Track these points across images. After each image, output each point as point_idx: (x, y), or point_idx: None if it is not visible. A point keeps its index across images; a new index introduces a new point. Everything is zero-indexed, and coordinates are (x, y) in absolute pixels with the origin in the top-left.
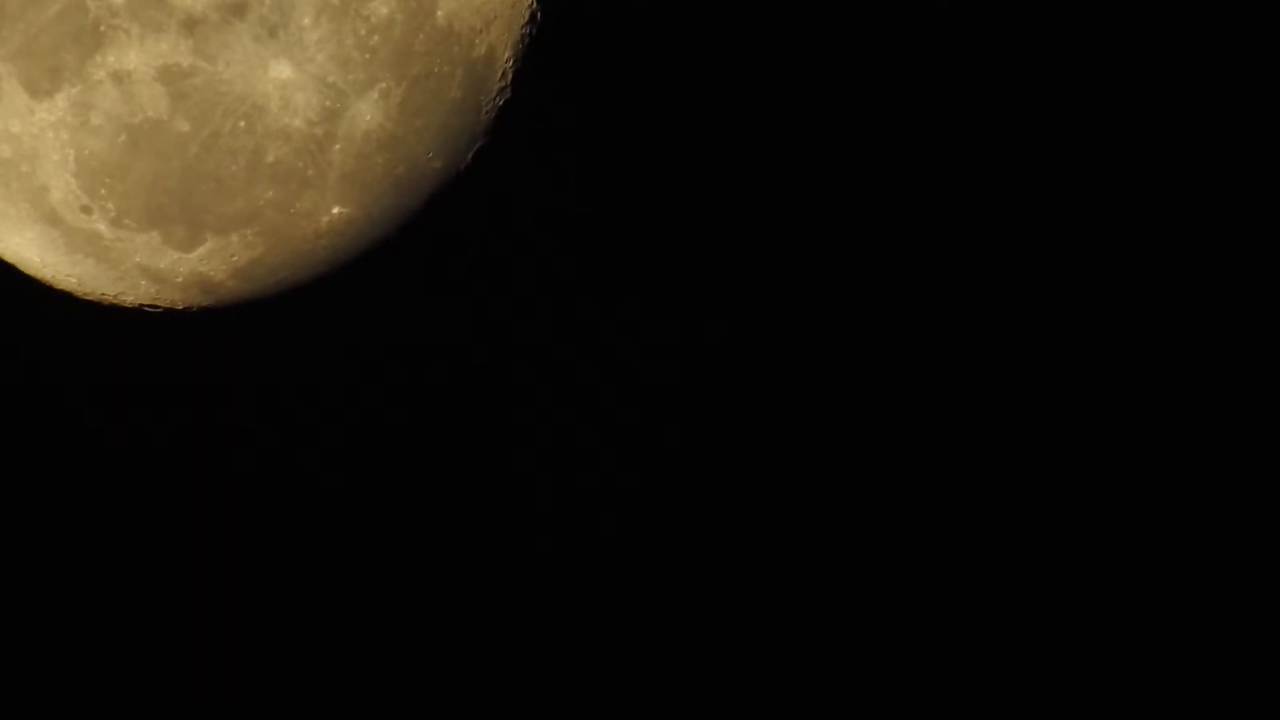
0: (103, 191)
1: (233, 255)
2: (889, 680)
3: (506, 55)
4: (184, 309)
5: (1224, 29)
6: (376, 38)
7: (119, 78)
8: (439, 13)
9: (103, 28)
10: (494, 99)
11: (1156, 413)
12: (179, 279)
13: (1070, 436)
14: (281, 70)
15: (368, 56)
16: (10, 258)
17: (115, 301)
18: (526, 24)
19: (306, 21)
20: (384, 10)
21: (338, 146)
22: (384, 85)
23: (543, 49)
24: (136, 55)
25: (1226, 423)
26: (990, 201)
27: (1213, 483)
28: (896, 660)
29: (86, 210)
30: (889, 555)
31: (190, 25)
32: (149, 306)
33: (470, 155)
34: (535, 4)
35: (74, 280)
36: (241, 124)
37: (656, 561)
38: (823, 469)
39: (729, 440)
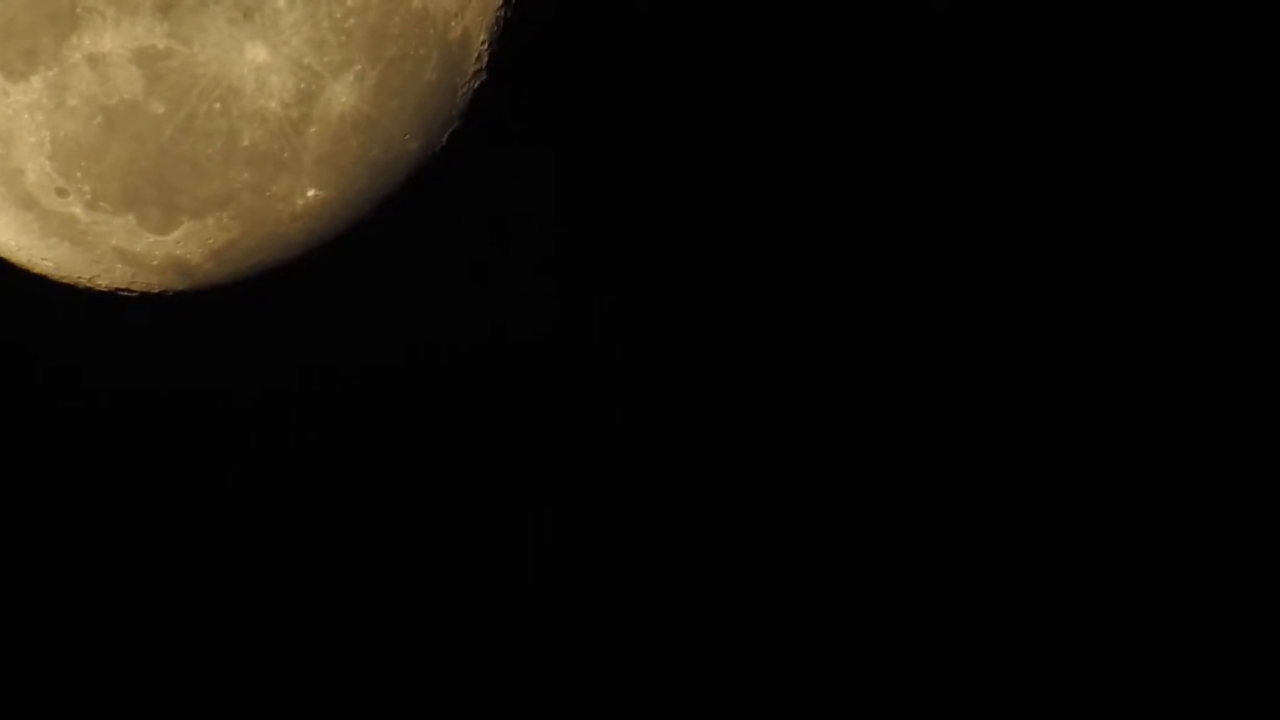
0: (78, 174)
1: (209, 238)
2: (888, 680)
3: (482, 38)
4: (160, 292)
5: (1224, 29)
6: (352, 20)
7: (94, 60)
8: None
9: (78, 10)
10: (469, 82)
11: (1156, 413)
12: (155, 262)
13: (1070, 436)
14: (257, 53)
15: (343, 39)
16: None
17: (91, 285)
18: (501, 7)
19: (281, 4)
20: None
21: (313, 129)
22: (359, 68)
23: (518, 32)
24: (112, 38)
25: (1226, 423)
26: (981, 201)
27: (1213, 483)
28: (896, 660)
29: (62, 193)
30: (887, 555)
31: (165, 8)
32: (124, 290)
33: (445, 137)
34: None
35: (49, 264)
36: (217, 106)
37: (640, 556)
38: (811, 465)
39: (713, 424)
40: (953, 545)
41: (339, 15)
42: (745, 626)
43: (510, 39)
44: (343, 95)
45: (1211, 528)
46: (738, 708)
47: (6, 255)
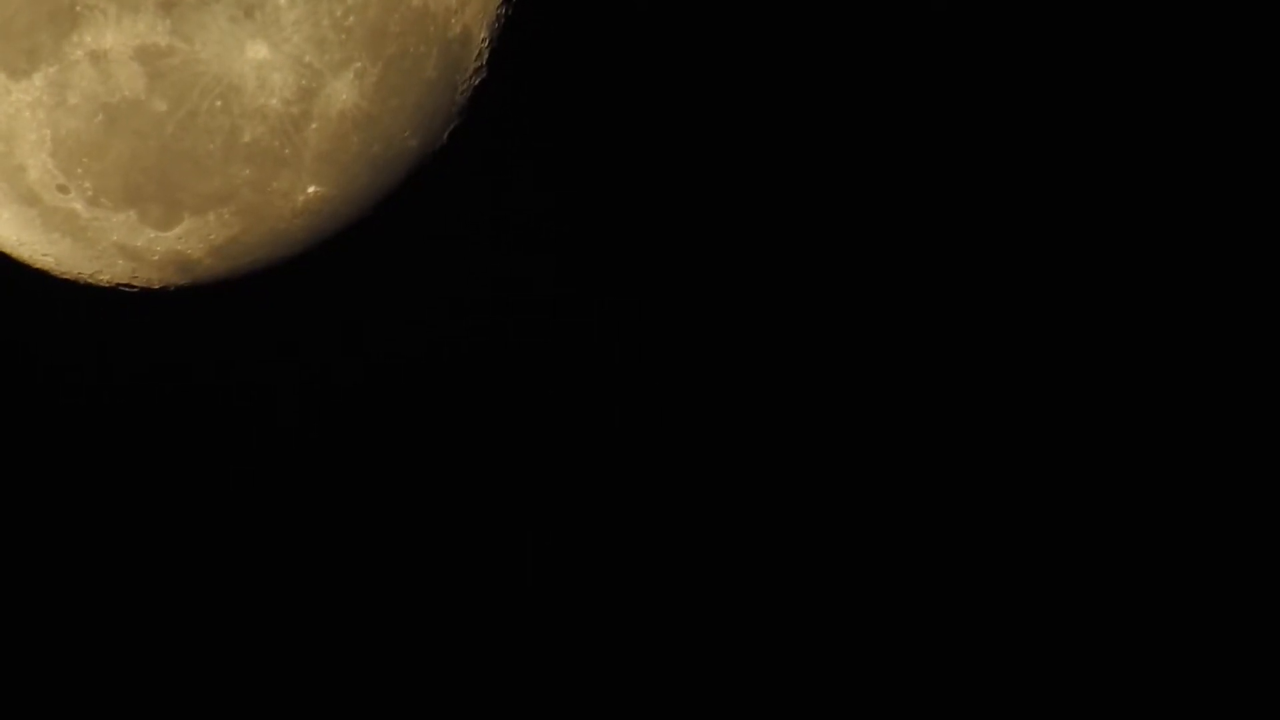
0: (79, 171)
1: (209, 234)
2: (888, 680)
3: (482, 35)
4: (160, 288)
5: (1224, 29)
6: (352, 18)
7: (96, 57)
8: None
9: (79, 8)
10: (470, 79)
11: (1156, 413)
12: (156, 258)
13: (1070, 437)
14: (258, 50)
15: (343, 37)
16: None
17: (92, 280)
18: (502, 4)
19: (282, 2)
20: None
21: (314, 126)
22: (359, 65)
23: (519, 29)
24: (113, 35)
25: (1226, 423)
26: (980, 201)
27: (1213, 483)
28: (896, 660)
29: (63, 189)
30: (887, 556)
31: (167, 5)
32: (125, 285)
33: (446, 135)
34: None
35: (51, 259)
36: (218, 103)
37: (640, 556)
38: (811, 465)
39: (714, 424)
40: (953, 545)
41: (339, 13)
42: (745, 627)
43: (511, 36)
44: (343, 93)
45: (1211, 528)
46: (738, 708)
47: (8, 251)
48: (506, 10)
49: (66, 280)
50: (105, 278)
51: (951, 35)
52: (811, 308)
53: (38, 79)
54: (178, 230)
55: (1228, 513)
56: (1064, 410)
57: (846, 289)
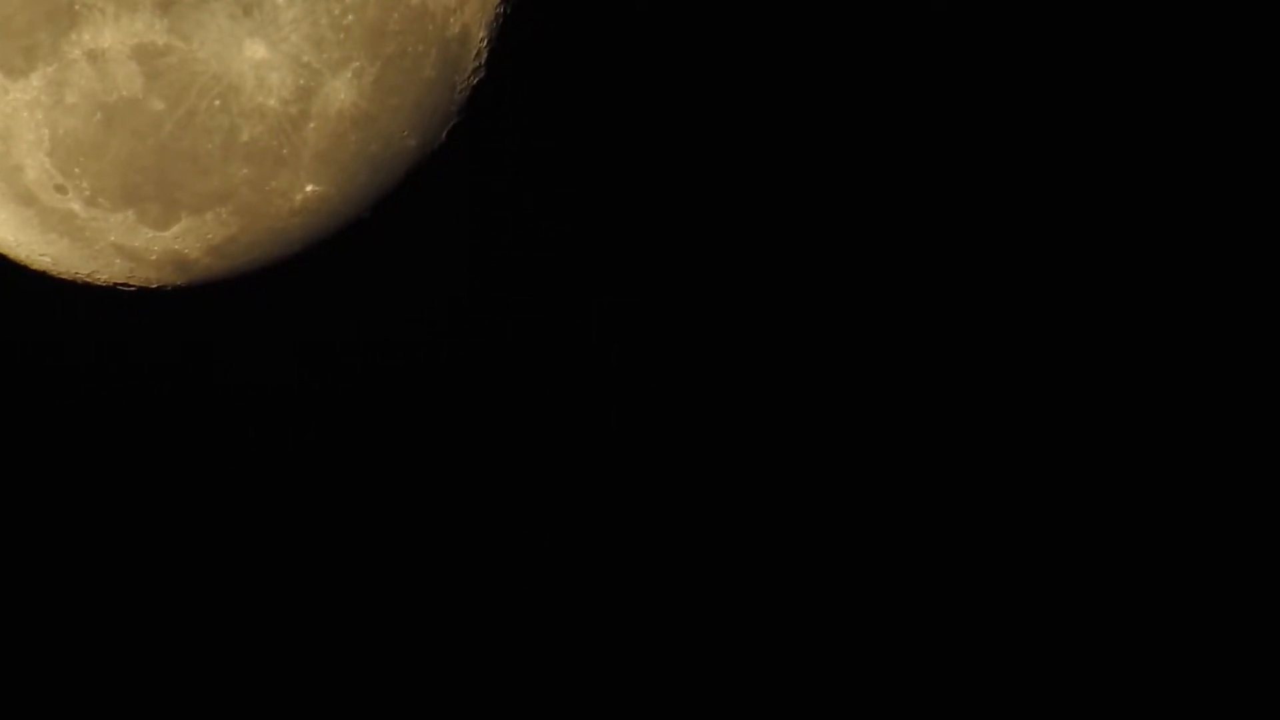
0: (77, 170)
1: (207, 233)
2: (888, 680)
3: (481, 34)
4: (158, 287)
5: (1224, 29)
6: (350, 17)
7: (94, 56)
8: None
9: (77, 7)
10: (468, 78)
11: (1157, 413)
12: (153, 257)
13: (1070, 437)
14: (256, 49)
15: (342, 36)
16: None
17: (89, 280)
18: (501, 4)
19: (281, 1)
20: None
21: (312, 125)
22: (358, 64)
23: (518, 28)
24: (111, 34)
25: (1226, 423)
26: (981, 201)
27: (1213, 483)
28: (896, 660)
29: (61, 189)
30: (887, 557)
31: (165, 4)
32: (123, 285)
33: (444, 134)
34: None
35: (48, 260)
36: (216, 103)
37: (639, 557)
38: (811, 466)
39: (713, 424)
40: (952, 546)
41: (338, 12)
42: (743, 626)
43: (510, 36)
44: (341, 92)
45: (1212, 528)
46: (738, 708)
47: (6, 251)
48: (505, 9)
49: (64, 280)
50: (103, 277)
51: (951, 35)
52: (811, 307)
53: (35, 78)
54: (175, 230)
55: (1228, 512)
56: (1063, 410)
57: (846, 289)
